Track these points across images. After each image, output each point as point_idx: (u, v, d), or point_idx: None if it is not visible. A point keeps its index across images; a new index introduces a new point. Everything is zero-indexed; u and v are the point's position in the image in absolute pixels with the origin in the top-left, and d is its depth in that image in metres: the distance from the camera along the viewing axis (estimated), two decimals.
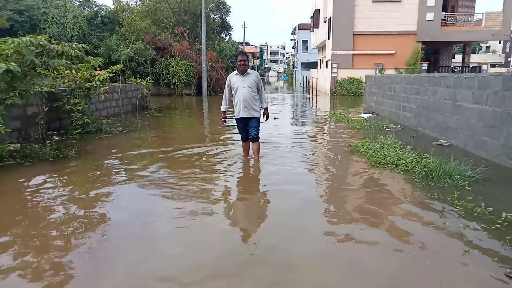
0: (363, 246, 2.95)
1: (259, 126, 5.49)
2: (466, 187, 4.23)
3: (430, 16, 22.34)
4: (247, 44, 57.11)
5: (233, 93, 5.37)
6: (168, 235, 3.20)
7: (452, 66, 24.78)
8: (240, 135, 5.69)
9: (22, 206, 3.84)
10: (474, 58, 50.47)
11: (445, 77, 7.34)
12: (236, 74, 5.33)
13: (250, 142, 5.62)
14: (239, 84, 5.26)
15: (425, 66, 21.84)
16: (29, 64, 5.42)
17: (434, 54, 25.50)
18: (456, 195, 3.90)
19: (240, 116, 5.36)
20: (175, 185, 4.51)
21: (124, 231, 3.26)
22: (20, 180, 4.64)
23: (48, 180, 4.69)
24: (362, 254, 2.84)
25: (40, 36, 5.57)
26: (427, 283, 2.43)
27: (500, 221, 3.27)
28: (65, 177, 4.87)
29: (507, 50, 57.48)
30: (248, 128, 5.45)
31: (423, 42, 22.67)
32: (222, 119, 5.60)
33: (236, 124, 5.62)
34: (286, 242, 3.04)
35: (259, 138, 5.54)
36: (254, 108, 5.35)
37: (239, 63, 5.24)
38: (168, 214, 3.64)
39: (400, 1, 22.35)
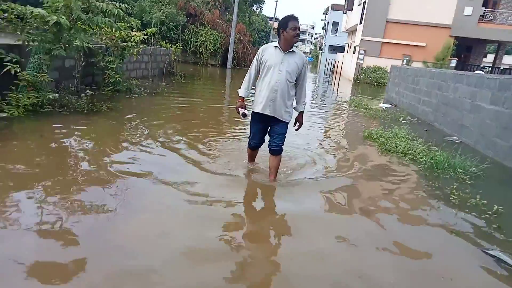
0: (360, 224, 3.35)
1: (285, 134, 3.78)
2: (467, 181, 4.52)
3: (468, 10, 21.69)
4: (277, 19, 56.27)
5: (261, 74, 3.61)
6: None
7: (482, 65, 24.16)
8: (250, 138, 3.90)
9: (59, 149, 4.33)
10: (508, 60, 48.64)
11: (468, 75, 7.45)
12: (276, 47, 3.52)
13: (270, 157, 3.83)
14: (274, 63, 3.47)
15: (453, 62, 21.43)
16: (75, 18, 5.83)
17: (466, 51, 24.90)
18: (455, 186, 4.22)
19: (260, 111, 3.61)
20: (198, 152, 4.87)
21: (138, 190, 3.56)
22: (60, 127, 5.11)
23: (85, 130, 5.14)
24: (359, 229, 3.24)
25: None
26: (414, 251, 2.82)
27: (490, 212, 3.59)
28: (100, 129, 5.35)
29: None
30: (271, 135, 3.75)
31: (456, 38, 22.13)
32: (240, 110, 3.68)
33: (251, 118, 3.80)
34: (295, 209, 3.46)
35: (282, 150, 3.82)
36: (285, 107, 3.59)
37: (292, 32, 3.40)
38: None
39: None
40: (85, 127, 5.24)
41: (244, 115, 3.67)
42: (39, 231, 2.48)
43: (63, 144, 4.42)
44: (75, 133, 4.89)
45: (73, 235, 2.47)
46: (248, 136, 3.96)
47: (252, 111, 3.70)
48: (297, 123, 3.83)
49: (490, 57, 29.32)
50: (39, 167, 3.61)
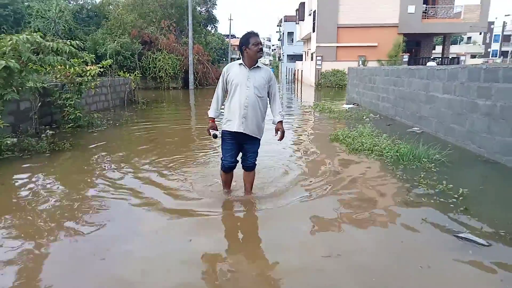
0: (337, 216, 3.42)
1: (258, 150, 3.78)
2: (432, 169, 4.73)
3: (411, 9, 22.97)
4: (233, 36, 57.00)
5: (229, 93, 3.55)
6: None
7: (432, 57, 25.50)
8: (223, 159, 3.69)
9: (24, 197, 4.15)
10: (455, 49, 51.71)
11: (419, 69, 7.85)
12: (240, 64, 3.50)
13: (244, 173, 3.88)
14: (241, 81, 3.44)
15: (406, 57, 22.50)
16: (25, 60, 5.68)
17: (416, 46, 26.25)
18: (422, 175, 4.40)
19: (234, 130, 3.51)
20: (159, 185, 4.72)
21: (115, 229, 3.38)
22: (21, 172, 4.91)
23: (47, 172, 4.97)
24: (337, 222, 3.30)
25: (35, 34, 5.81)
26: (390, 244, 2.90)
27: (456, 196, 3.77)
28: (63, 169, 5.18)
29: (487, 41, 59.02)
30: (244, 153, 3.71)
31: (405, 34, 23.33)
32: (210, 131, 3.66)
33: (222, 137, 3.67)
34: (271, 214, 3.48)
35: (256, 165, 3.83)
36: (257, 123, 3.55)
37: (254, 48, 3.39)
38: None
39: None
40: (47, 169, 5.06)
41: (215, 136, 3.64)
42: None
43: (26, 190, 4.23)
44: (38, 176, 4.69)
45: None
46: (221, 157, 3.74)
47: (223, 131, 3.61)
48: (278, 132, 3.63)
49: (438, 48, 31.00)
50: (2, 217, 3.44)
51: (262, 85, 3.49)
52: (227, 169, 3.72)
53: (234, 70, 3.51)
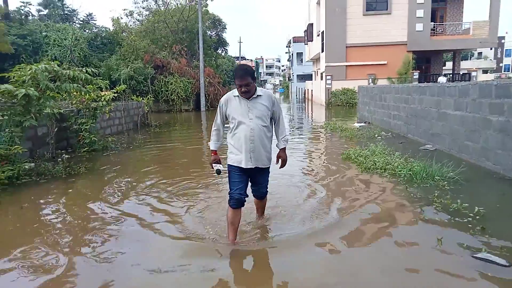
0: (354, 235, 3.38)
1: (268, 177, 3.60)
2: (446, 187, 4.66)
3: (419, 26, 23.08)
4: (243, 58, 58.12)
5: (231, 126, 3.33)
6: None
7: (443, 74, 25.42)
8: (230, 192, 3.32)
9: (42, 220, 4.24)
10: (467, 65, 51.45)
11: (430, 86, 7.85)
12: (237, 96, 3.26)
13: (255, 200, 3.77)
14: (242, 114, 3.23)
15: (416, 75, 22.48)
16: (43, 88, 5.90)
17: (426, 62, 26.23)
18: (436, 194, 4.34)
19: (243, 167, 3.28)
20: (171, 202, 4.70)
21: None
22: (39, 196, 5.04)
23: (63, 196, 5.08)
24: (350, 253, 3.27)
25: (53, 62, 6.05)
26: (406, 266, 2.86)
27: (472, 215, 3.70)
28: (78, 193, 5.27)
29: (498, 56, 58.69)
30: (256, 184, 3.53)
31: (414, 52, 23.38)
32: (214, 165, 3.43)
33: (228, 170, 3.40)
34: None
35: (267, 192, 3.70)
36: (266, 153, 3.34)
37: (239, 89, 3.18)
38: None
39: (390, 13, 23.11)
40: (63, 193, 5.17)
41: (219, 172, 3.39)
42: None
43: (43, 214, 4.33)
44: (54, 201, 4.80)
45: None
46: (228, 192, 3.35)
47: (229, 165, 3.35)
48: (280, 160, 3.50)
49: (449, 65, 30.95)
50: (22, 238, 3.51)
51: (265, 114, 3.27)
52: (236, 203, 3.27)
53: (232, 104, 3.28)
